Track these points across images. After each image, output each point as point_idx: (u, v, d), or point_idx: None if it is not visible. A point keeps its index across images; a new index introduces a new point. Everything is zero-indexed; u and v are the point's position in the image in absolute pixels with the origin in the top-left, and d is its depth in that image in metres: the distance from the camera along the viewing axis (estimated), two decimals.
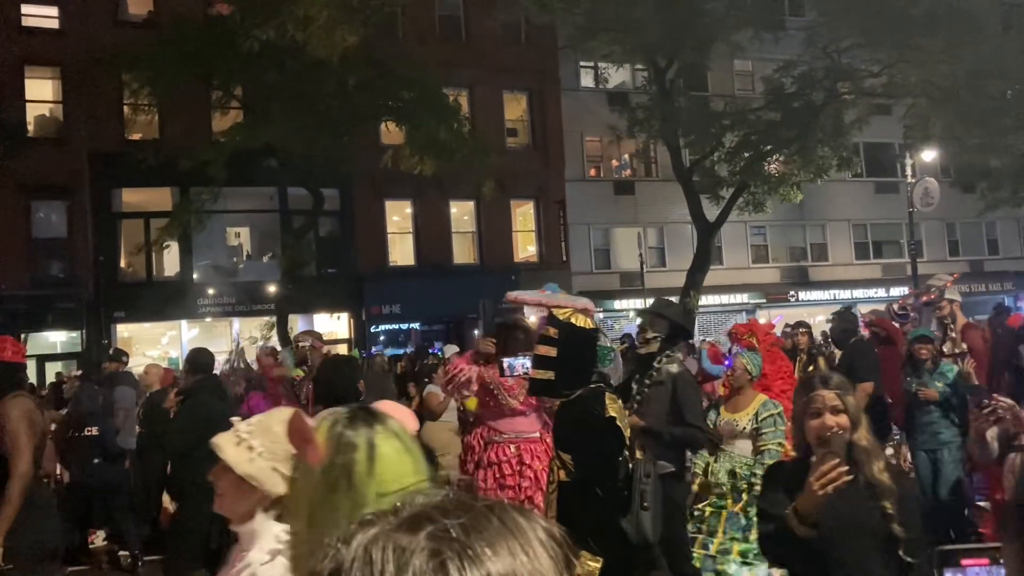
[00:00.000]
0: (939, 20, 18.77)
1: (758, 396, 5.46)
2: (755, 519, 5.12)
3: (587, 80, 26.60)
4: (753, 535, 5.04)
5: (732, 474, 5.24)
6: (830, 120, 20.17)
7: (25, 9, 21.16)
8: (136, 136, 21.58)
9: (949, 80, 19.77)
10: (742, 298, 27.73)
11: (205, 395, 6.17)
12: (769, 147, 20.79)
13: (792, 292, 28.34)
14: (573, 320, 4.08)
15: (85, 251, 21.07)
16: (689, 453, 5.55)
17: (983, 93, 20.16)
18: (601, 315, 26.61)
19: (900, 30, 18.75)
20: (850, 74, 20.49)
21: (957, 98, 20.04)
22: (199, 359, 6.52)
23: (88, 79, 20.31)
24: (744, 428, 5.37)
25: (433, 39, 23.72)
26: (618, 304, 26.75)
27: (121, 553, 8.49)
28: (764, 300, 27.89)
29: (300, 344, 7.96)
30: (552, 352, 4.02)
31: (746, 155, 20.88)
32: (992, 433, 3.51)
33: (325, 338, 25.60)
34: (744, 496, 5.16)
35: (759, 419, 5.30)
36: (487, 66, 24.14)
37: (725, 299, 26.88)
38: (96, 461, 8.17)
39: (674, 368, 4.96)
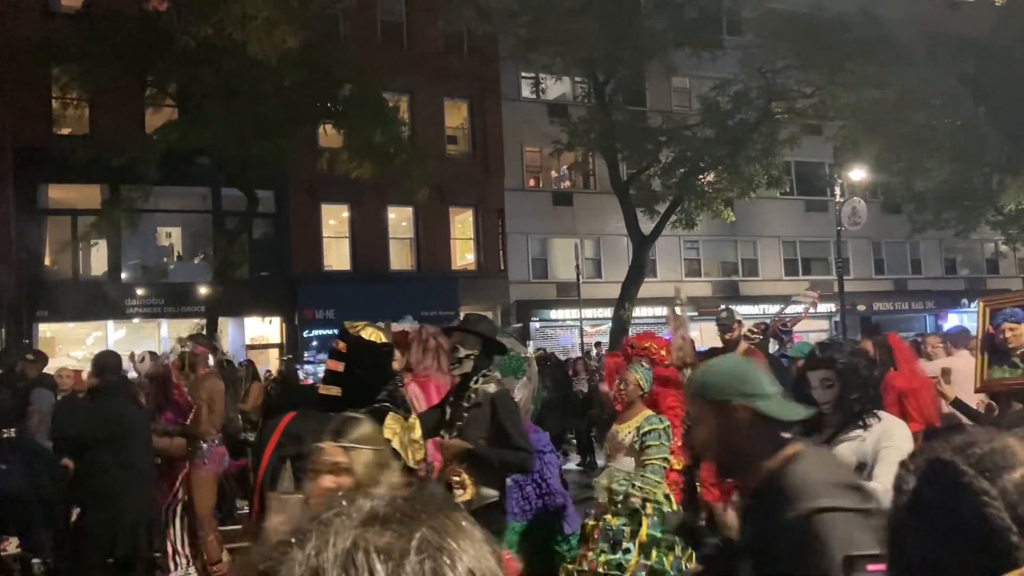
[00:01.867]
0: (870, 47, 19.42)
1: (644, 411, 5.45)
2: (626, 531, 5.15)
3: (528, 91, 26.77)
4: (625, 545, 5.04)
5: (609, 489, 5.20)
6: (763, 138, 20.65)
7: None
8: (65, 131, 21.00)
9: (877, 105, 20.44)
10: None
11: (114, 397, 6.04)
12: (703, 163, 21.18)
13: (723, 306, 28.83)
14: (364, 334, 3.86)
15: (7, 247, 20.39)
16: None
17: (909, 119, 20.89)
18: (538, 324, 26.79)
19: (832, 54, 19.34)
20: (783, 94, 21.02)
21: (885, 123, 20.73)
22: (106, 361, 6.38)
23: (15, 71, 19.68)
24: (624, 441, 5.36)
25: (375, 44, 23.58)
26: (554, 314, 26.92)
27: (34, 561, 8.22)
28: (696, 313, 28.22)
29: (183, 349, 7.47)
30: (340, 367, 3.85)
31: (681, 171, 21.24)
32: None
33: (255, 342, 25.21)
34: (620, 509, 5.14)
35: (641, 433, 5.27)
36: (428, 73, 24.12)
37: (659, 311, 27.14)
38: (3, 467, 7.90)
39: (491, 388, 4.56)
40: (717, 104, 21.35)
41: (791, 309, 9.23)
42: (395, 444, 3.54)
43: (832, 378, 3.42)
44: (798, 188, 29.71)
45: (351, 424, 2.46)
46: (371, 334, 3.84)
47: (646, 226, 21.58)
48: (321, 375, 5.64)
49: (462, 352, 4.61)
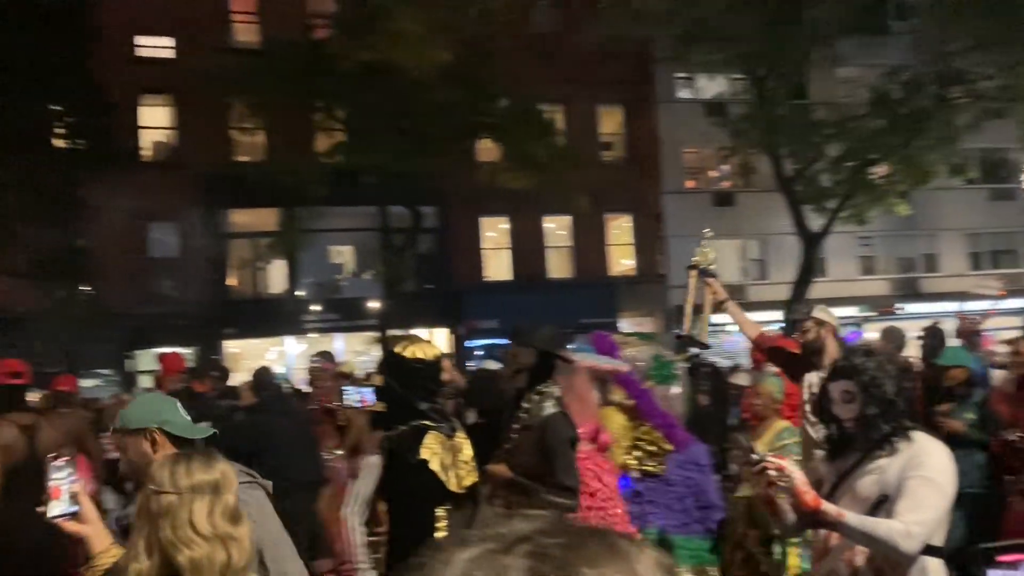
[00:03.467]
0: None
1: (778, 423, 5.12)
2: (779, 558, 4.81)
3: (683, 91, 26.28)
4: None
5: (748, 506, 4.91)
6: (939, 126, 19.39)
7: (140, 40, 22.26)
8: (244, 159, 22.40)
9: None
10: (849, 311, 26.79)
11: (265, 412, 6.30)
12: (875, 155, 20.13)
13: (902, 305, 27.25)
14: (410, 349, 3.54)
15: (197, 270, 21.95)
16: None
17: None
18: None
19: (1015, 33, 17.94)
20: (961, 78, 19.66)
21: None
22: (260, 377, 6.68)
23: (199, 105, 21.21)
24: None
25: (528, 56, 23.83)
26: (718, 318, 26.20)
27: None
28: (873, 313, 26.88)
29: (313, 365, 7.69)
30: (382, 383, 3.68)
31: (851, 164, 20.28)
32: (790, 502, 2.85)
33: None
34: (760, 532, 4.84)
35: (773, 448, 4.87)
36: (582, 81, 24.10)
37: (833, 312, 26.04)
38: None
39: (548, 408, 4.06)
40: (887, 92, 20.24)
41: (973, 305, 8.49)
42: (433, 465, 3.26)
43: (853, 391, 2.90)
44: (981, 176, 27.69)
45: (185, 463, 2.26)
46: (412, 349, 3.55)
47: (815, 224, 20.72)
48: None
49: (514, 366, 4.16)
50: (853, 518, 2.70)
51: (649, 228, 25.91)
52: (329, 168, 18.63)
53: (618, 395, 5.56)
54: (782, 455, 4.84)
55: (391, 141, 17.64)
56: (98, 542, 2.51)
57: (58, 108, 17.41)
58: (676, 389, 5.92)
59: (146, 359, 19.23)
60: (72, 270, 17.56)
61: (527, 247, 24.92)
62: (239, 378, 11.51)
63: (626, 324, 23.13)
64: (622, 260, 26.81)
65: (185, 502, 2.18)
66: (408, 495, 3.44)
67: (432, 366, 3.51)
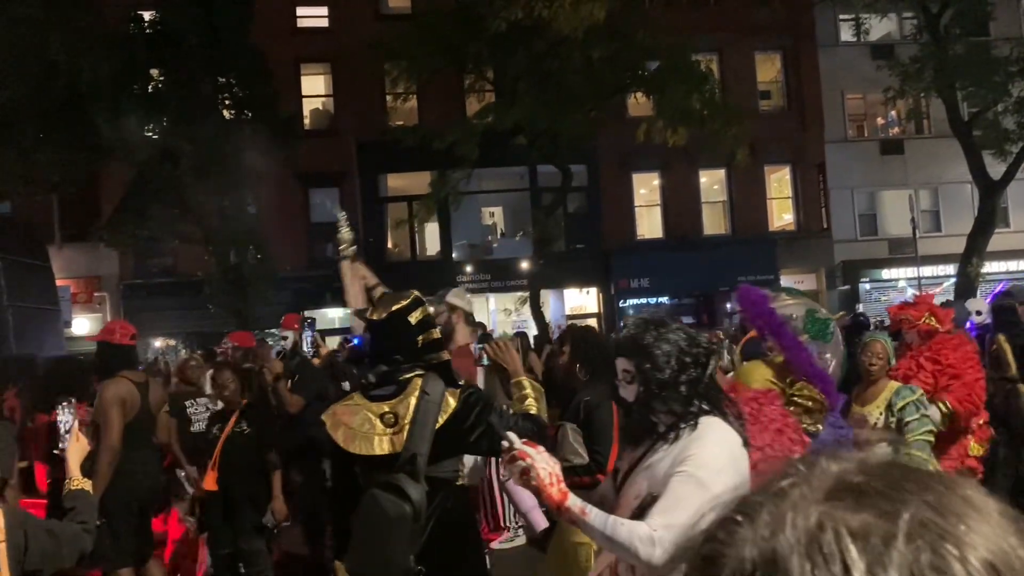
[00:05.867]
0: None
1: (890, 384, 4.84)
2: None
3: (847, 34, 24.80)
4: None
5: None
6: None
7: (299, 11, 23.03)
8: (397, 123, 22.87)
9: None
10: None
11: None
12: None
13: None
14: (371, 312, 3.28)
15: (355, 233, 22.64)
16: None
17: None
18: (868, 286, 24.93)
19: None
20: None
21: None
22: None
23: (354, 72, 21.76)
24: (876, 423, 4.68)
25: (679, 5, 23.11)
26: (886, 273, 24.90)
27: None
28: None
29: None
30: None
31: None
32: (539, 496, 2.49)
33: (574, 312, 26.00)
34: None
35: (897, 409, 4.60)
36: (737, 28, 23.19)
37: (1012, 266, 24.18)
38: None
39: None
40: None
41: None
42: (329, 426, 3.08)
43: (632, 370, 2.48)
44: None
45: None
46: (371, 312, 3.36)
47: (994, 170, 19.19)
48: None
49: None
50: (596, 517, 2.31)
51: (811, 180, 24.86)
52: (480, 129, 18.72)
53: (774, 350, 5.33)
54: (909, 415, 4.59)
55: (539, 100, 17.51)
56: (73, 469, 3.00)
57: (224, 80, 18.19)
58: (828, 347, 5.61)
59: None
60: (241, 235, 18.43)
61: (680, 203, 24.36)
62: None
63: (787, 281, 22.32)
64: (782, 214, 25.85)
65: None
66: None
67: (377, 328, 3.30)
